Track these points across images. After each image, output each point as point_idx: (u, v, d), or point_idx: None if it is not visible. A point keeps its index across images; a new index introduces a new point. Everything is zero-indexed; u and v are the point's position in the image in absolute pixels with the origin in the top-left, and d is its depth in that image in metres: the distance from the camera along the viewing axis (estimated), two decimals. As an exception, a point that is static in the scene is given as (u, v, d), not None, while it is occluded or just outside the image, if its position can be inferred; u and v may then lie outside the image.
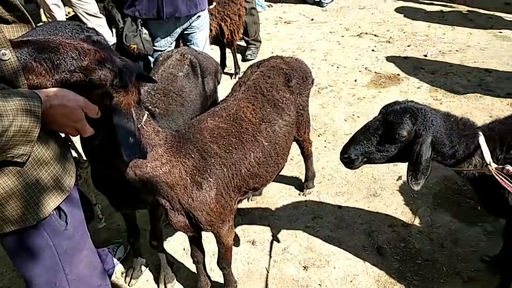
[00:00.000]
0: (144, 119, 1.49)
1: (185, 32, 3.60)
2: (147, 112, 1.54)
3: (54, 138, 1.30)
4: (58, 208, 1.34)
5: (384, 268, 2.60)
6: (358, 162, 1.98)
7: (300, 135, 2.60)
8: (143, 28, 3.52)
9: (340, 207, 3.09)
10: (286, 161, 2.30)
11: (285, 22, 6.84)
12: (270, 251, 2.76)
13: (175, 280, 2.61)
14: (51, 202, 1.27)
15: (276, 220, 3.04)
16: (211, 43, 4.85)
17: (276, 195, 3.26)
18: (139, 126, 1.46)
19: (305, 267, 2.64)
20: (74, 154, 1.63)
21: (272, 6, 7.59)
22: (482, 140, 1.83)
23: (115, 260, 2.74)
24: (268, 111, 2.06)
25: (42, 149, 1.23)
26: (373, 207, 3.07)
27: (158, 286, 2.62)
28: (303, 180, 3.28)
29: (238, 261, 2.72)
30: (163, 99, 2.23)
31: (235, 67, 5.16)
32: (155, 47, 3.60)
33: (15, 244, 1.32)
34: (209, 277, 2.49)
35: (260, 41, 5.73)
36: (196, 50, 2.77)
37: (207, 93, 2.66)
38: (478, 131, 1.86)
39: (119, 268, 2.76)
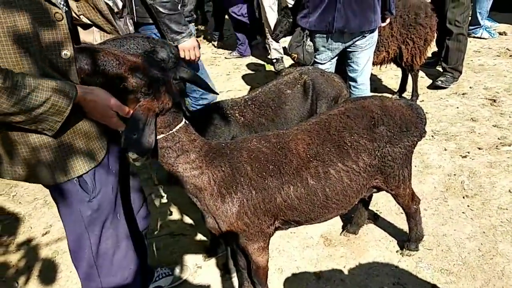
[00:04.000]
0: (177, 127, 1.71)
1: (348, 49, 3.59)
2: (185, 121, 1.75)
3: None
4: (83, 181, 1.62)
5: None
6: None
7: (391, 188, 2.29)
8: (307, 39, 3.71)
9: (436, 286, 2.57)
10: (344, 208, 2.11)
11: (510, 56, 5.67)
12: (329, 293, 2.60)
13: (235, 274, 2.81)
14: (72, 171, 1.56)
15: (355, 266, 2.79)
16: (389, 63, 4.60)
17: (371, 241, 2.97)
18: (169, 132, 1.69)
19: (353, 328, 2.39)
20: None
21: (505, 35, 6.39)
22: None
23: (153, 284, 2.64)
24: (326, 150, 1.94)
25: (81, 121, 1.54)
26: (479, 306, 2.42)
27: (221, 271, 2.87)
28: (410, 239, 2.85)
29: (294, 286, 2.68)
30: (254, 110, 2.39)
31: (412, 94, 4.71)
32: (315, 59, 3.74)
33: (55, 199, 1.70)
34: (253, 284, 2.58)
35: (460, 72, 4.99)
36: (322, 72, 2.76)
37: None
38: None
39: (205, 241, 3.14)
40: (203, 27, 9.42)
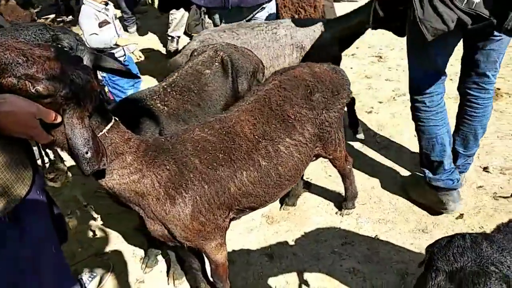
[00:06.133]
0: (108, 127, 1.43)
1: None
2: (115, 119, 1.46)
3: (9, 143, 1.28)
4: (12, 215, 1.32)
5: (408, 321, 2.22)
6: None
7: (329, 153, 2.30)
8: (206, 17, 3.50)
9: (377, 237, 2.71)
10: (295, 183, 2.06)
11: (381, 15, 6.22)
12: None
13: (183, 277, 2.58)
14: None
15: (302, 237, 2.79)
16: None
17: (310, 209, 3.00)
18: (100, 134, 1.40)
19: (317, 297, 2.39)
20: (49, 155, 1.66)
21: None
22: None
23: None
24: (272, 127, 1.83)
25: None
26: (418, 244, 2.62)
27: (168, 279, 2.62)
28: (345, 198, 2.95)
29: (250, 273, 2.58)
30: (177, 97, 2.15)
31: (310, 62, 4.87)
32: None
33: None
34: (211, 284, 2.40)
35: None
36: (235, 47, 2.61)
37: (238, 94, 2.51)
38: None
39: (140, 253, 2.83)
40: (69, 17, 8.38)
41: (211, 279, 2.30)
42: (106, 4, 3.54)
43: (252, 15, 3.38)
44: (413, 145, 3.46)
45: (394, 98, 4.12)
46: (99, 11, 3.48)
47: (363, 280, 2.43)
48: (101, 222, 3.06)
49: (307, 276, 2.51)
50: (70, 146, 1.28)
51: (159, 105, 2.08)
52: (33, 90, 1.17)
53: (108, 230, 3.02)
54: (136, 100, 2.07)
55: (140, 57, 3.71)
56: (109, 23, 3.52)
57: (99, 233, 3.01)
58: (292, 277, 2.52)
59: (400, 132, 3.63)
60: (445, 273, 1.28)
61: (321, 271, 2.53)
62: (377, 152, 3.46)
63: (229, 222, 1.94)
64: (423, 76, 2.44)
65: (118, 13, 5.48)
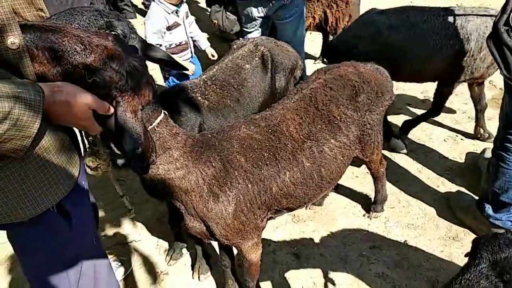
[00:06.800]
0: (157, 121, 1.39)
1: (274, 20, 3.42)
2: (165, 112, 1.43)
3: (58, 129, 1.24)
4: (59, 207, 1.27)
5: (438, 331, 2.17)
6: None
7: (366, 156, 2.25)
8: (229, 6, 3.45)
9: (406, 242, 2.66)
10: (334, 185, 2.01)
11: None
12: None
13: (209, 272, 2.56)
14: (47, 199, 1.20)
15: (329, 238, 2.75)
16: (314, 30, 4.57)
17: (337, 210, 2.96)
18: (149, 127, 1.36)
19: (344, 301, 2.36)
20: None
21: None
22: None
23: None
24: (318, 128, 1.78)
25: (46, 139, 1.19)
26: (448, 253, 2.57)
27: (192, 273, 2.61)
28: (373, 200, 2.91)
29: (276, 271, 2.55)
30: (217, 91, 2.11)
31: (336, 59, 4.78)
32: (243, 27, 3.52)
33: (17, 241, 1.30)
34: (238, 282, 2.38)
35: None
36: (275, 42, 2.55)
37: (276, 90, 2.46)
38: None
39: (163, 244, 2.82)
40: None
41: (240, 277, 2.28)
42: (180, 4, 3.17)
43: (273, 11, 3.27)
44: (442, 149, 3.39)
45: (423, 100, 4.04)
46: (169, 13, 3.11)
47: (392, 286, 2.39)
48: (125, 212, 3.06)
49: (335, 278, 2.47)
50: (120, 140, 1.24)
51: (199, 98, 2.04)
52: (89, 80, 1.13)
53: (131, 220, 3.01)
54: (180, 92, 2.03)
55: (213, 55, 3.47)
56: (179, 25, 3.20)
57: (122, 222, 3.01)
58: (319, 278, 2.49)
59: (429, 136, 3.56)
60: (488, 261, 1.29)
61: (349, 274, 2.49)
62: (405, 155, 3.39)
63: (266, 222, 1.91)
64: None
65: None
